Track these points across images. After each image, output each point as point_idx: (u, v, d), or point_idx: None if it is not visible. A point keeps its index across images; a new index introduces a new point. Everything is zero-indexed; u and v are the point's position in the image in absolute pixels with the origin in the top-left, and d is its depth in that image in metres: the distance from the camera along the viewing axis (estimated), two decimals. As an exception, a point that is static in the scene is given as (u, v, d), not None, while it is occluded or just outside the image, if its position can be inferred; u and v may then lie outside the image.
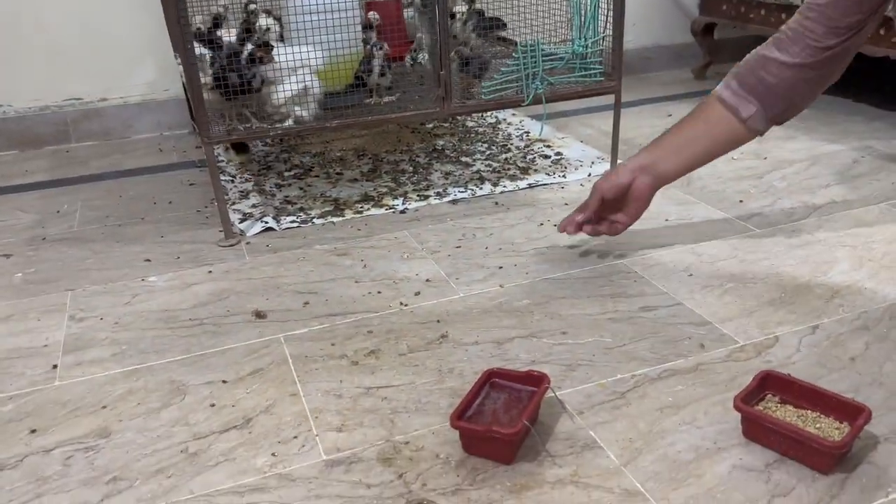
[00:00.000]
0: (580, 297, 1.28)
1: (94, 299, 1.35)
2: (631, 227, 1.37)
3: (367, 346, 1.17)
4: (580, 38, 1.65)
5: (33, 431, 1.00)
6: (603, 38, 1.67)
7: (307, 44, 1.54)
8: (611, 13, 1.64)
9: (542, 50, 1.63)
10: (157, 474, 0.91)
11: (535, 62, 1.63)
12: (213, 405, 1.04)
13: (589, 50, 1.67)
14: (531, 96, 1.65)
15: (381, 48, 1.70)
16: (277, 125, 1.56)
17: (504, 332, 1.19)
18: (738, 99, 1.19)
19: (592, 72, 1.70)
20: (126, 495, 0.88)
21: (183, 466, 0.92)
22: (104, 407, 1.05)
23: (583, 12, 1.64)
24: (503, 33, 1.85)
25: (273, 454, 0.94)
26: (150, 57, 2.27)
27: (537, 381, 0.96)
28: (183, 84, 2.26)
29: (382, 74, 1.71)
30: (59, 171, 2.07)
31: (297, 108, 1.57)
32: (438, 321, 1.23)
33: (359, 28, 1.70)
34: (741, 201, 1.65)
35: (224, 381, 1.09)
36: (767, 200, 1.65)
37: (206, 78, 1.51)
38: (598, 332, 1.17)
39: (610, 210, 1.36)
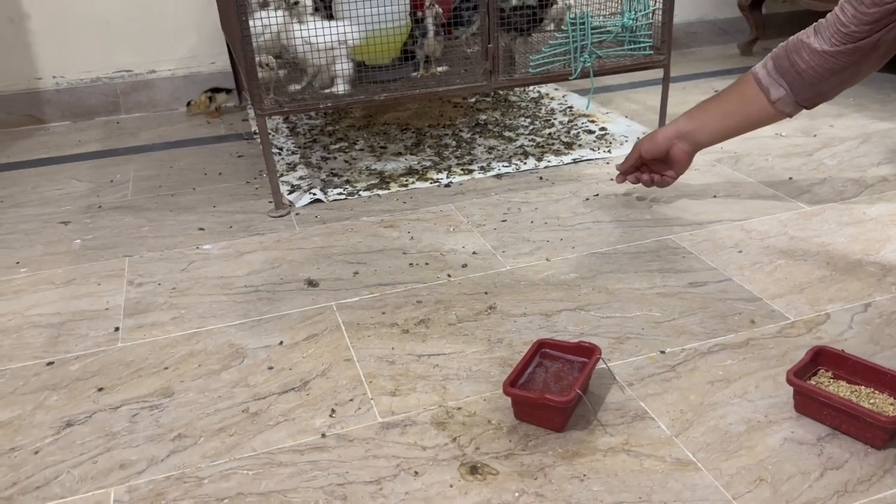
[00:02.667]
0: (628, 271, 1.29)
1: (151, 265, 1.39)
2: (679, 203, 1.38)
3: (417, 315, 1.19)
4: (629, 11, 1.63)
5: (100, 390, 1.05)
6: (653, 11, 1.65)
7: (349, 18, 1.55)
8: (661, -14, 1.62)
9: (591, 23, 1.62)
10: (220, 432, 0.95)
11: (584, 35, 1.62)
12: (271, 368, 1.07)
13: (638, 23, 1.65)
14: (579, 70, 1.65)
15: (434, 11, 1.69)
16: (327, 96, 1.58)
17: (552, 304, 1.20)
18: (770, 80, 1.19)
19: (642, 45, 1.68)
20: (191, 451, 0.92)
21: (244, 425, 0.96)
22: (166, 368, 1.09)
23: (633, -15, 1.63)
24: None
25: (330, 415, 0.97)
26: (197, 29, 2.30)
27: (588, 351, 0.98)
28: (230, 56, 2.29)
29: (438, 34, 1.70)
30: (111, 141, 2.12)
31: (340, 82, 1.59)
32: (486, 293, 1.25)
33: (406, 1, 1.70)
34: (790, 178, 1.63)
35: (281, 344, 1.12)
36: (817, 178, 1.63)
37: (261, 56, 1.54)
38: (646, 307, 1.18)
39: (656, 165, 1.37)
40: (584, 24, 1.61)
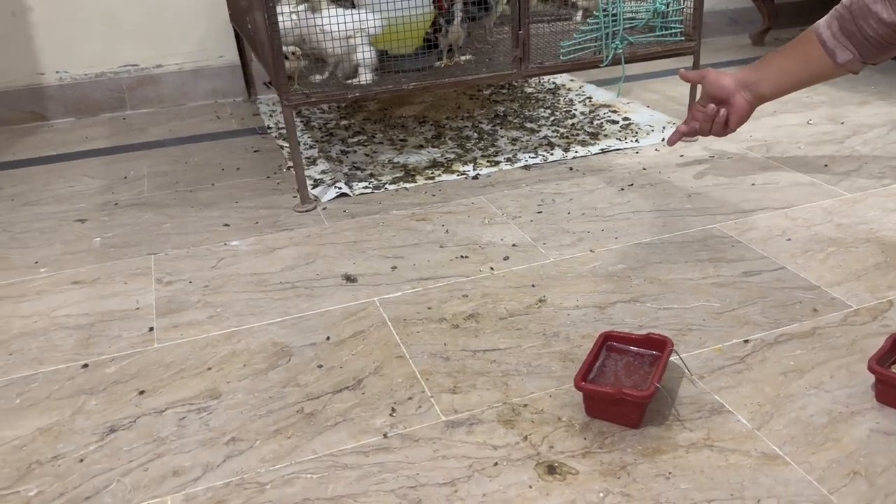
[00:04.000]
0: (677, 262, 1.25)
1: (178, 263, 1.33)
2: (717, 192, 1.34)
3: (465, 309, 1.15)
4: (662, -3, 1.60)
5: (141, 393, 0.99)
6: (685, -4, 1.61)
7: (370, 5, 1.50)
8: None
9: (623, 8, 1.58)
10: (276, 435, 0.90)
11: (616, 21, 1.58)
12: (320, 366, 1.02)
13: (670, 8, 1.61)
14: (610, 56, 1.61)
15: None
16: (353, 86, 1.53)
17: (604, 296, 1.16)
18: (836, 43, 1.14)
19: (673, 31, 1.65)
20: (248, 456, 0.87)
21: (301, 427, 0.91)
22: (209, 368, 1.03)
23: (664, -30, 1.59)
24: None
25: (391, 415, 0.92)
26: (204, 23, 2.24)
27: (660, 344, 0.94)
28: (239, 50, 2.23)
29: (465, 21, 1.64)
30: (119, 137, 2.05)
31: (365, 72, 1.54)
32: (533, 285, 1.20)
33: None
34: (826, 166, 1.60)
35: (328, 340, 1.08)
36: (853, 165, 1.60)
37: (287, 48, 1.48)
38: (703, 297, 1.14)
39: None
40: (615, 9, 1.57)
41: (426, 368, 1.01)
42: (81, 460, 0.88)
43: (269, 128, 2.06)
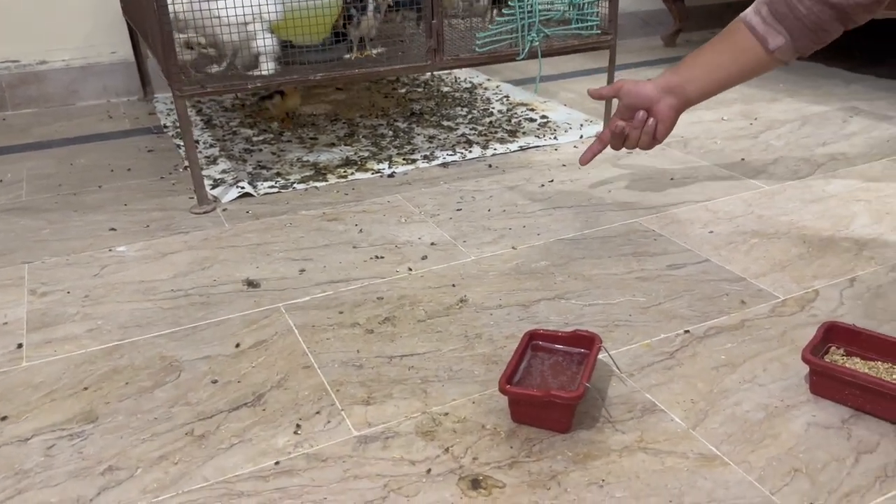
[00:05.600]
0: (601, 256, 1.20)
1: (56, 272, 1.19)
2: (637, 187, 1.30)
3: (380, 313, 1.05)
4: (578, -12, 1.56)
5: (4, 419, 0.85)
6: (600, -12, 1.58)
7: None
8: (607, -38, 1.55)
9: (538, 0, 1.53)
10: (161, 461, 0.78)
11: (532, 13, 1.53)
12: (215, 381, 0.91)
13: (585, 1, 1.57)
14: (527, 49, 1.55)
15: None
16: (255, 76, 1.42)
17: (528, 294, 1.09)
18: (766, 28, 1.11)
19: (589, 23, 1.61)
20: (127, 486, 0.75)
21: (190, 451, 0.80)
22: (86, 388, 0.90)
23: (579, -39, 1.55)
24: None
25: (295, 432, 0.82)
26: (94, 16, 2.07)
27: (588, 341, 0.87)
28: (133, 45, 2.08)
29: (377, 12, 1.56)
30: (-3, 139, 1.86)
31: (267, 63, 1.43)
32: (454, 285, 1.12)
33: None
34: (743, 160, 1.60)
35: (224, 352, 0.96)
36: (769, 158, 1.60)
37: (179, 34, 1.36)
38: (629, 292, 1.09)
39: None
40: (531, 1, 1.52)
41: (336, 378, 0.91)
42: (-80, 504, 0.74)
43: (166, 126, 1.92)
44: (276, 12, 1.41)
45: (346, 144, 1.76)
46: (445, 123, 1.90)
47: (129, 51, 2.10)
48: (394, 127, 1.88)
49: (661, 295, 1.08)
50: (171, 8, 1.27)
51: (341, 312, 1.06)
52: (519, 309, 1.05)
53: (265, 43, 1.41)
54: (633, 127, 1.16)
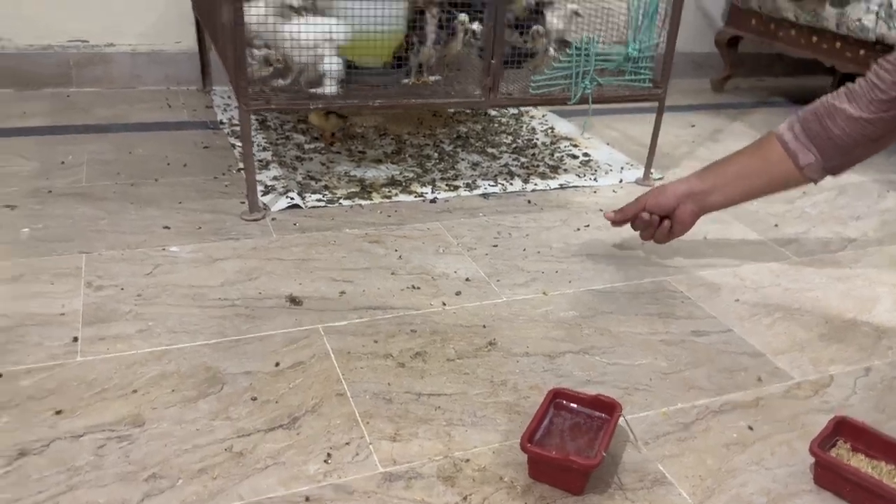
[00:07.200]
0: (627, 313, 1.24)
1: (111, 266, 1.26)
2: (672, 243, 1.34)
3: (412, 346, 1.11)
4: (635, 42, 1.60)
5: (58, 413, 0.92)
6: (658, 43, 1.62)
7: (339, 14, 1.45)
8: (668, 19, 1.59)
9: (595, 49, 1.57)
10: (201, 474, 0.85)
11: (588, 61, 1.57)
12: (254, 399, 0.97)
13: (642, 54, 1.61)
14: (578, 95, 1.60)
15: (438, 16, 1.60)
16: (317, 96, 1.47)
17: (554, 344, 1.14)
18: (798, 145, 1.16)
19: (642, 77, 1.65)
20: (168, 496, 0.81)
21: (229, 467, 0.86)
22: (135, 391, 0.97)
23: (641, 14, 1.59)
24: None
25: (326, 461, 0.88)
26: (166, 4, 2.14)
27: (609, 408, 0.92)
28: (199, 37, 2.15)
29: (437, 43, 1.61)
30: (61, 116, 1.94)
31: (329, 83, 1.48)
32: (484, 326, 1.17)
33: (404, 4, 1.61)
34: (776, 225, 1.63)
35: (264, 373, 1.02)
36: (802, 227, 1.63)
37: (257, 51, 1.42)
38: (651, 354, 1.13)
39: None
40: (588, 50, 1.56)
41: (367, 410, 0.97)
42: (-17, 487, 0.81)
43: (222, 123, 1.98)
44: (346, 36, 1.47)
45: (392, 162, 1.81)
46: (490, 150, 1.95)
47: (194, 42, 2.18)
48: (439, 149, 1.93)
49: (682, 362, 1.12)
50: (248, 24, 1.33)
51: (376, 341, 1.11)
52: (545, 359, 1.10)
53: (332, 64, 1.46)
54: (645, 227, 1.28)
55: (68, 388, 0.96)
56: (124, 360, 1.03)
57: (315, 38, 1.43)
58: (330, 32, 1.44)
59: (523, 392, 1.02)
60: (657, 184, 1.81)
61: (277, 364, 1.04)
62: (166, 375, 1.00)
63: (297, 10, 1.40)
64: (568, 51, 1.56)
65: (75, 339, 1.06)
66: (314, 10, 1.48)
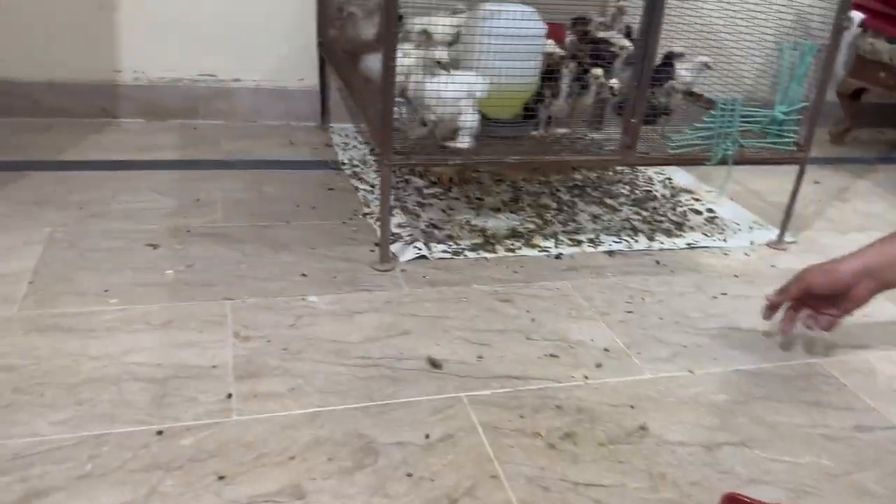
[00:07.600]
0: (781, 400, 1.18)
1: (256, 315, 1.27)
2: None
3: (560, 425, 1.08)
4: (783, 105, 1.54)
5: (221, 478, 0.92)
6: (805, 106, 1.55)
7: (477, 68, 1.45)
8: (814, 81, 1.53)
9: (741, 111, 1.52)
10: (367, 558, 0.83)
11: (732, 122, 1.52)
12: (409, 475, 0.96)
13: (788, 118, 1.55)
14: (719, 156, 1.55)
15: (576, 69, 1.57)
16: (455, 150, 1.47)
17: (709, 433, 1.09)
18: None
19: (786, 140, 1.58)
20: (338, 581, 0.80)
21: (394, 553, 0.84)
22: (292, 458, 0.97)
23: (789, 75, 1.53)
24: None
25: (491, 554, 0.85)
26: (288, 42, 2.19)
27: (789, 519, 0.87)
28: (321, 76, 2.18)
29: (570, 96, 1.59)
30: (190, 149, 2.00)
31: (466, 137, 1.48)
32: (632, 406, 1.13)
33: (540, 58, 1.60)
34: (927, 304, 1.53)
35: (415, 445, 1.01)
36: (955, 307, 1.53)
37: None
38: (814, 451, 1.07)
39: (816, 300, 1.25)
40: (734, 110, 1.51)
41: (524, 498, 0.94)
42: (157, 557, 0.81)
43: (343, 163, 2.01)
44: (485, 90, 1.46)
45: (511, 211, 1.79)
46: (608, 202, 1.91)
47: (316, 80, 2.22)
48: (556, 197, 1.90)
49: (848, 461, 1.06)
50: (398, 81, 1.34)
51: (522, 416, 1.09)
52: (702, 451, 1.05)
53: (470, 119, 1.46)
54: (804, 324, 1.24)
55: (228, 450, 0.97)
56: (279, 422, 1.03)
57: (458, 93, 1.42)
58: (472, 87, 1.44)
59: (685, 489, 0.98)
60: (791, 248, 1.74)
61: (427, 436, 1.03)
62: (321, 441, 1.00)
63: (445, 66, 1.40)
64: (713, 111, 1.51)
65: (229, 396, 1.07)
66: (456, 65, 1.48)
